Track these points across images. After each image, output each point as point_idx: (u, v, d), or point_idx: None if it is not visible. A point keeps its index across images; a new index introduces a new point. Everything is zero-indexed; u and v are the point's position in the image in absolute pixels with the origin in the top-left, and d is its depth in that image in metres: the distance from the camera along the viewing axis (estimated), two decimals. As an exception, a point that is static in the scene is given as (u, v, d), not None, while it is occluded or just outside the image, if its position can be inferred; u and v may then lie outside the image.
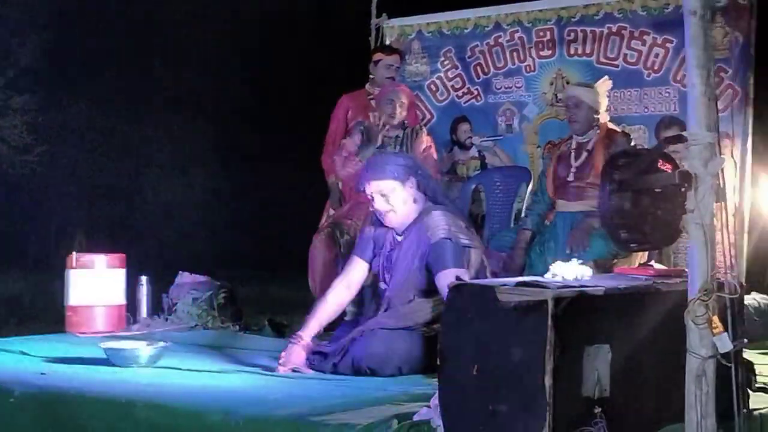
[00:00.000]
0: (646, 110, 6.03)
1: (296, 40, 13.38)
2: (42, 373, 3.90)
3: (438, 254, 4.01)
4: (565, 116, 5.22)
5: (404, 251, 4.15)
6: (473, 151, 6.55)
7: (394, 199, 4.12)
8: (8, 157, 13.10)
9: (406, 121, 5.61)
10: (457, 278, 3.09)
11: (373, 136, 5.53)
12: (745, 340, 3.14)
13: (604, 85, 5.20)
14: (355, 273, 4.30)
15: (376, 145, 5.46)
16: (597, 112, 5.08)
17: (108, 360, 4.18)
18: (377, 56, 6.17)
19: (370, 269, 4.31)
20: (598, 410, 2.76)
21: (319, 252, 5.37)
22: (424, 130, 5.70)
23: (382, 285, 4.22)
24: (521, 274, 4.78)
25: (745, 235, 5.55)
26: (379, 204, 4.15)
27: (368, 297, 4.39)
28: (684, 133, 2.76)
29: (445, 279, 3.88)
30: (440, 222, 4.08)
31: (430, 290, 4.07)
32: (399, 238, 4.20)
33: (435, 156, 5.62)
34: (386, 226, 4.24)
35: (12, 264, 11.71)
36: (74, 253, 5.63)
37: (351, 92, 6.23)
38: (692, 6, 2.73)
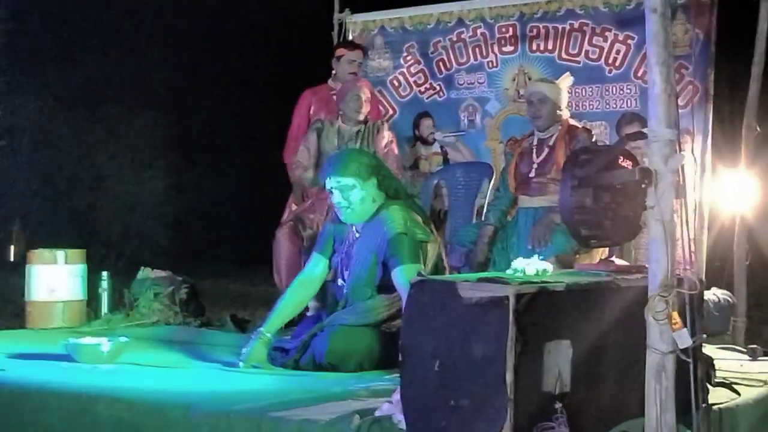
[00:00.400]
0: (607, 106, 6.07)
1: (258, 33, 13.32)
2: (2, 369, 3.86)
3: (394, 249, 4.01)
4: (527, 112, 5.23)
5: (361, 247, 4.15)
6: (436, 147, 6.56)
7: (353, 197, 4.12)
8: (-32, 152, 12.96)
9: (368, 116, 5.61)
10: (419, 274, 3.09)
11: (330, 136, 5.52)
12: (705, 336, 3.18)
13: (565, 81, 5.23)
14: (316, 269, 4.30)
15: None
16: (559, 108, 5.11)
17: (68, 356, 4.15)
18: (340, 52, 6.17)
19: (330, 265, 4.31)
20: (558, 405, 2.77)
21: (282, 246, 5.36)
22: (386, 125, 5.69)
23: (340, 281, 4.23)
24: (483, 269, 4.80)
25: (705, 231, 5.61)
26: (337, 199, 4.15)
27: (330, 292, 4.39)
28: (644, 130, 2.77)
29: (402, 274, 3.90)
30: (396, 217, 4.08)
31: (387, 286, 4.07)
32: (357, 235, 4.20)
33: (397, 151, 5.63)
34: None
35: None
36: (23, 248, 5.60)
37: (313, 87, 6.22)
38: (653, 4, 2.75)
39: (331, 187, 4.15)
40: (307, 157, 5.57)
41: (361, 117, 5.54)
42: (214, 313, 6.15)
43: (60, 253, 5.60)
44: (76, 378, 3.72)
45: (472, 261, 5.00)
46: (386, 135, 5.58)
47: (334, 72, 6.17)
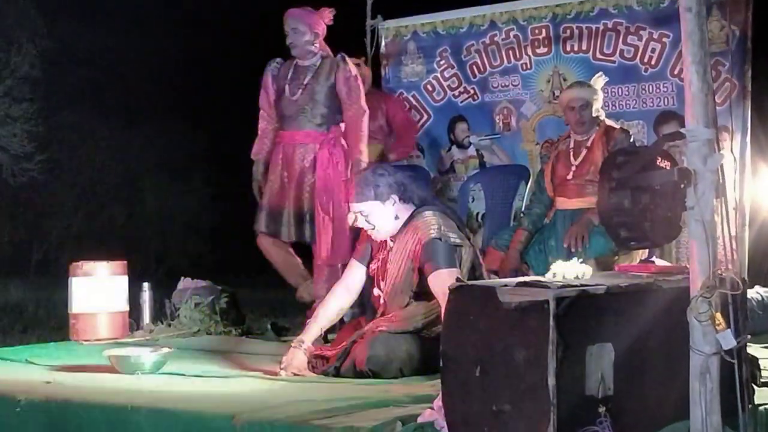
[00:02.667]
0: (644, 105, 6.03)
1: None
2: (47, 382, 3.91)
3: (429, 255, 4.03)
4: (567, 118, 5.18)
5: (396, 254, 4.17)
6: (471, 150, 6.56)
7: (375, 219, 4.18)
8: (9, 165, 13.10)
9: (322, 51, 5.31)
10: (457, 279, 3.09)
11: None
12: (749, 336, 3.15)
13: (600, 81, 5.21)
14: (354, 277, 4.32)
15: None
16: (597, 109, 5.09)
17: (112, 367, 4.18)
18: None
19: (366, 273, 4.33)
20: (602, 409, 2.75)
21: (271, 254, 5.36)
22: (348, 59, 5.35)
23: (376, 291, 4.24)
24: (518, 274, 4.78)
25: (746, 229, 5.55)
26: (361, 224, 4.22)
27: (368, 300, 4.40)
28: (682, 130, 2.75)
29: (438, 279, 3.90)
30: (430, 222, 4.10)
31: (424, 292, 4.08)
32: (392, 243, 4.21)
33: (361, 86, 5.30)
34: None
35: (15, 272, 11.72)
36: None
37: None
38: (688, 3, 2.73)
39: (354, 213, 4.22)
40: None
41: (297, 51, 5.26)
42: (254, 322, 6.19)
43: (102, 265, 5.66)
44: (119, 389, 3.75)
45: (506, 266, 4.98)
46: (350, 69, 5.28)
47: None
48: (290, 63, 5.35)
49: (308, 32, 5.25)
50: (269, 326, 5.66)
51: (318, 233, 5.10)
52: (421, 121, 6.74)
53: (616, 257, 4.79)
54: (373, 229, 4.20)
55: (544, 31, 6.36)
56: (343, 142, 5.23)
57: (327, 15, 5.35)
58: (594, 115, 5.08)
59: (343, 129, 5.23)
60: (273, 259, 5.38)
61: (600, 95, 5.16)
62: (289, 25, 5.26)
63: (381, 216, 4.17)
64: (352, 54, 5.93)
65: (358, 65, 5.91)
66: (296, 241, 5.23)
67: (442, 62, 6.73)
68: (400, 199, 4.18)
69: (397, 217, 4.19)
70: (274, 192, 5.27)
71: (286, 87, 5.29)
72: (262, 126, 5.48)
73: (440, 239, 4.05)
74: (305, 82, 5.25)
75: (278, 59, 5.42)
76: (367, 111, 5.26)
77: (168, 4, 12.93)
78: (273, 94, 5.37)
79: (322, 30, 5.33)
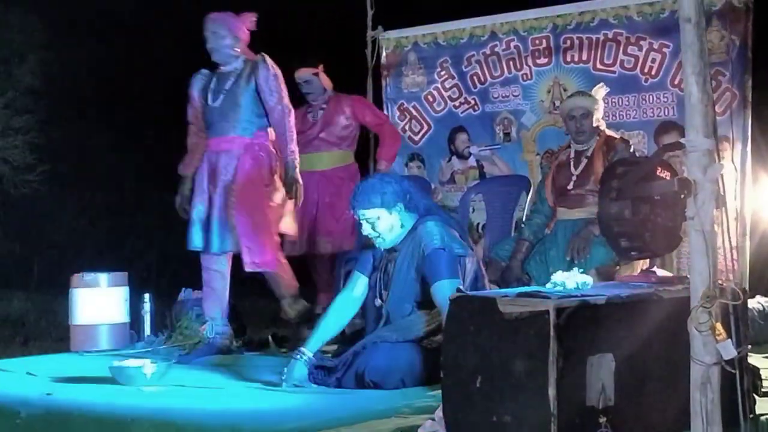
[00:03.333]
0: (644, 115, 6.03)
1: (290, 53, 13.42)
2: (48, 393, 3.90)
3: (433, 265, 4.02)
4: (568, 128, 5.19)
5: (399, 264, 4.17)
6: (471, 161, 6.57)
7: (380, 226, 4.16)
8: (11, 177, 13.12)
9: (245, 56, 5.23)
10: (458, 290, 3.09)
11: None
12: (749, 346, 3.15)
13: (601, 91, 5.22)
14: (356, 288, 4.31)
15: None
16: (598, 119, 5.10)
17: (113, 378, 4.18)
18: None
19: (369, 284, 4.32)
20: (602, 419, 2.75)
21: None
22: (268, 59, 5.21)
23: (377, 301, 4.24)
24: (519, 284, 4.78)
25: (747, 238, 5.55)
26: (366, 230, 4.20)
27: (370, 310, 4.39)
28: (682, 140, 2.76)
29: (441, 290, 3.90)
30: (433, 232, 4.09)
31: (426, 302, 4.08)
32: (394, 253, 4.21)
33: (283, 85, 5.19)
34: None
35: (16, 284, 11.71)
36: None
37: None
38: (687, 13, 2.74)
39: (359, 220, 4.20)
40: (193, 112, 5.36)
41: (217, 57, 5.20)
42: (255, 332, 6.17)
43: (103, 276, 5.66)
44: (120, 401, 3.74)
45: (507, 277, 4.98)
46: (270, 68, 5.16)
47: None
48: (215, 72, 5.27)
49: (228, 36, 5.16)
50: (270, 338, 5.65)
51: (241, 241, 5.03)
52: (422, 132, 6.74)
53: (617, 267, 4.79)
54: (378, 236, 4.18)
55: (544, 41, 6.37)
56: (270, 146, 5.17)
57: (249, 19, 5.26)
58: (594, 125, 5.09)
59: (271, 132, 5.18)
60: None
61: (601, 105, 5.17)
62: (209, 30, 5.19)
63: (387, 224, 4.15)
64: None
65: (316, 74, 6.02)
66: (224, 251, 5.15)
67: (442, 73, 6.74)
68: (405, 208, 4.18)
69: (402, 226, 4.18)
70: (203, 204, 5.18)
71: (209, 95, 5.22)
72: (191, 141, 5.40)
73: (444, 249, 4.05)
74: (227, 88, 5.18)
75: (204, 70, 5.33)
76: (292, 110, 5.18)
77: (168, 17, 12.95)
78: (199, 106, 5.29)
79: (244, 35, 5.23)
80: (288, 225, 5.30)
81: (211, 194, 5.13)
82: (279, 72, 5.20)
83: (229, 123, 5.15)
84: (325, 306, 5.76)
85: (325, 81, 6.08)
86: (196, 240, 5.17)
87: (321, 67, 6.09)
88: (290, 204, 5.24)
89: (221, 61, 5.22)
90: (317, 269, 6.04)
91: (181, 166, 5.41)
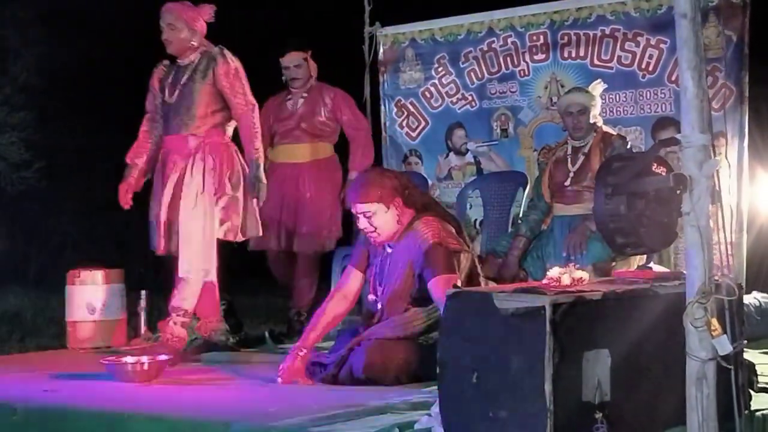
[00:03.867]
0: (641, 111, 6.02)
1: (288, 48, 13.41)
2: (44, 390, 3.91)
3: (429, 261, 4.00)
4: (565, 124, 5.19)
5: (396, 260, 4.15)
6: (469, 157, 6.56)
7: (377, 221, 4.11)
8: (7, 173, 13.10)
9: (202, 48, 5.07)
10: (454, 286, 3.09)
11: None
12: (745, 341, 3.15)
13: (598, 87, 5.22)
14: (352, 284, 4.30)
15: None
16: (595, 116, 5.10)
17: (109, 375, 4.18)
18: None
19: (364, 279, 4.31)
20: (599, 415, 2.76)
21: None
22: (227, 52, 5.05)
23: (371, 297, 4.22)
24: (516, 280, 4.78)
25: (744, 234, 5.55)
26: (362, 225, 4.16)
27: (365, 306, 4.39)
28: (678, 136, 2.76)
29: (438, 285, 3.88)
30: (430, 228, 4.08)
31: (423, 297, 4.06)
32: (390, 249, 4.20)
33: (244, 79, 5.04)
34: None
35: (12, 280, 11.70)
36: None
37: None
38: (683, 9, 2.74)
39: (356, 213, 4.17)
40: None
41: (172, 49, 5.04)
42: (251, 329, 6.17)
43: (99, 273, 5.65)
44: (117, 397, 3.75)
45: (504, 272, 4.98)
46: (230, 62, 5.01)
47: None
48: (175, 65, 5.11)
49: (185, 28, 4.99)
50: (267, 334, 5.64)
51: (181, 245, 4.89)
52: (419, 128, 6.73)
53: (614, 263, 4.78)
54: (374, 231, 4.15)
55: (541, 37, 6.36)
56: (226, 145, 5.03)
57: (207, 11, 5.10)
58: (592, 121, 5.09)
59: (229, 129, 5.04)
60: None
61: (598, 102, 5.17)
62: (164, 21, 5.07)
63: (384, 218, 4.11)
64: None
65: (305, 59, 5.91)
66: (167, 254, 5.03)
67: (440, 69, 6.73)
68: (403, 203, 4.16)
69: (399, 221, 4.16)
70: (158, 205, 5.04)
71: (166, 90, 5.06)
72: (143, 130, 5.24)
73: (440, 245, 4.03)
74: (182, 83, 5.01)
75: (165, 61, 5.17)
76: (256, 105, 5.02)
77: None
78: (158, 97, 5.13)
79: (201, 27, 5.06)
80: (252, 227, 5.14)
81: (162, 193, 5.00)
82: (240, 65, 5.03)
83: (183, 120, 4.99)
84: (298, 309, 5.78)
85: (312, 67, 5.98)
86: (156, 242, 5.07)
87: (309, 52, 5.98)
88: (252, 204, 5.09)
89: (177, 53, 5.06)
90: (295, 268, 5.91)
91: (129, 154, 5.27)
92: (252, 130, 4.97)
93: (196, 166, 4.93)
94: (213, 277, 5.02)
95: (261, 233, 5.29)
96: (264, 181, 5.02)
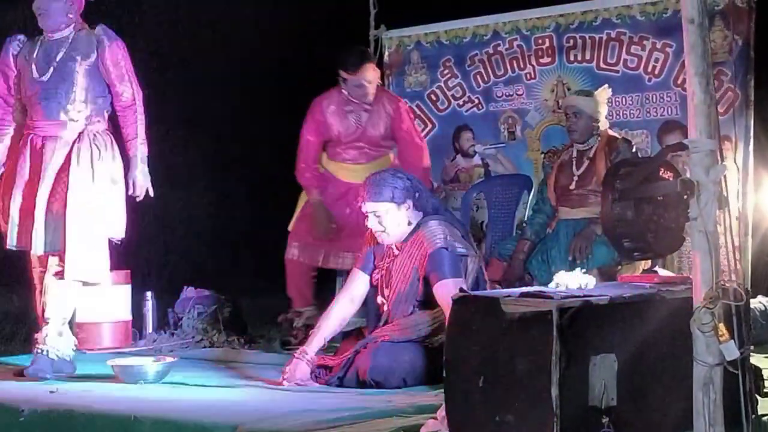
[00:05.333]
0: (648, 115, 6.02)
1: (294, 52, 13.41)
2: (51, 391, 3.92)
3: (435, 264, 4.02)
4: (564, 124, 5.22)
5: (402, 263, 4.16)
6: (476, 159, 6.56)
7: (388, 221, 4.13)
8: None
9: (77, 24, 4.55)
10: (461, 290, 3.09)
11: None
12: (752, 346, 3.15)
13: (603, 93, 5.21)
14: (358, 287, 4.31)
15: None
16: (597, 120, 5.09)
17: (115, 376, 4.19)
18: (342, 74, 5.38)
19: (370, 282, 4.32)
20: (605, 420, 2.76)
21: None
22: (111, 32, 4.57)
23: (380, 299, 4.23)
24: (521, 284, 4.78)
25: (749, 238, 5.55)
26: (372, 224, 4.17)
27: (371, 308, 4.39)
28: (685, 141, 2.76)
29: (444, 289, 3.90)
30: (436, 232, 4.09)
31: (429, 301, 4.07)
32: (397, 252, 4.20)
33: (130, 66, 4.57)
34: None
35: (17, 281, 11.72)
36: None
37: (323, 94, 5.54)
38: (690, 14, 2.74)
39: (367, 212, 4.17)
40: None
41: (44, 20, 4.49)
42: (256, 330, 6.17)
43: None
44: (123, 399, 3.75)
45: (509, 277, 4.98)
46: (117, 45, 4.53)
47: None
48: (37, 40, 4.53)
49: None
50: (279, 342, 5.53)
51: (67, 242, 4.34)
52: (426, 131, 6.74)
53: (619, 267, 4.79)
54: (383, 231, 4.16)
55: (547, 41, 6.36)
56: (109, 133, 4.55)
57: None
58: (594, 125, 5.08)
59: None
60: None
61: (603, 107, 5.16)
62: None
63: (394, 219, 4.13)
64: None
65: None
66: (48, 252, 4.43)
67: (445, 72, 6.73)
68: (413, 206, 4.17)
69: (409, 223, 4.17)
70: (23, 195, 4.44)
71: (33, 66, 4.45)
72: None
73: (447, 249, 4.04)
74: (57, 60, 4.45)
75: (20, 36, 4.59)
76: (141, 93, 4.53)
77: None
78: (14, 76, 4.53)
79: (79, 1, 4.53)
80: (124, 224, 4.65)
81: (35, 185, 4.41)
82: (125, 50, 4.55)
83: (61, 104, 4.44)
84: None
85: (376, 76, 5.45)
86: (16, 237, 4.46)
87: (372, 63, 5.51)
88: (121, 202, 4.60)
89: (51, 27, 4.48)
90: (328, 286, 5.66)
91: None
92: (139, 121, 4.52)
93: (83, 156, 4.42)
94: (106, 276, 4.62)
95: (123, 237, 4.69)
96: (148, 176, 4.59)
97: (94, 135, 4.48)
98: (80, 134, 4.45)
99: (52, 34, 4.50)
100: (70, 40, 4.48)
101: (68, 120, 4.45)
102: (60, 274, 4.40)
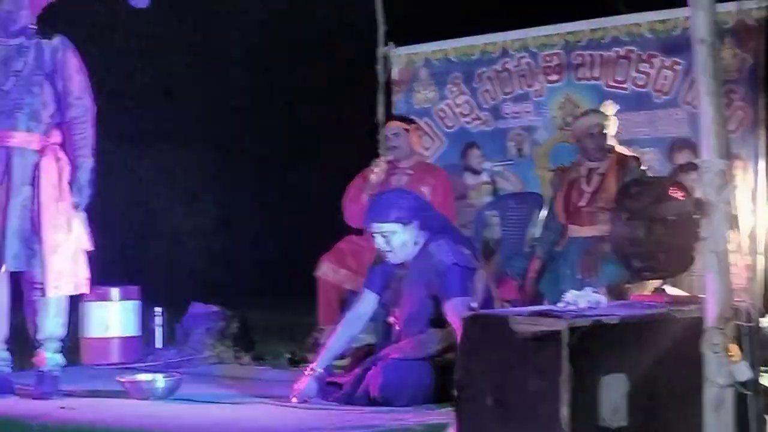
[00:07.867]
0: (657, 132, 6.01)
1: (302, 69, 13.45)
2: (60, 407, 3.92)
3: (445, 282, 4.03)
4: (583, 145, 5.20)
5: (411, 282, 4.17)
6: (484, 176, 6.56)
7: (394, 241, 4.15)
8: (20, 188, 13.17)
9: (30, 30, 4.37)
10: (470, 308, 3.09)
11: None
12: (763, 366, 3.14)
13: (610, 108, 5.22)
14: (366, 305, 4.32)
15: None
16: (610, 137, 5.11)
17: (124, 392, 4.19)
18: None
19: (380, 302, 4.32)
20: (616, 440, 2.75)
21: None
22: (68, 42, 4.42)
23: (391, 319, 4.24)
24: (533, 302, 4.77)
25: (760, 257, 5.53)
26: (379, 244, 4.19)
27: (382, 327, 4.39)
28: (696, 161, 2.76)
29: (453, 307, 3.90)
30: (445, 250, 4.10)
31: (439, 319, 4.07)
32: (405, 271, 4.21)
33: (87, 80, 4.44)
34: None
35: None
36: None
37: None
38: (701, 34, 2.74)
39: (373, 232, 4.19)
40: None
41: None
42: (263, 346, 6.17)
43: (114, 290, 5.67)
44: (132, 415, 3.75)
45: (523, 296, 4.98)
46: (74, 57, 4.39)
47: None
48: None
49: (26, 5, 4.28)
50: (288, 358, 5.53)
51: (49, 261, 4.23)
52: (434, 148, 6.75)
53: (629, 284, 4.77)
54: (391, 251, 4.18)
55: (556, 58, 6.37)
56: (62, 148, 4.39)
57: None
58: (608, 142, 5.10)
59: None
60: None
61: (612, 122, 5.17)
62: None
63: (401, 239, 4.15)
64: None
65: (407, 130, 5.68)
66: (18, 270, 4.31)
67: (454, 89, 6.74)
68: (420, 225, 4.18)
69: (416, 243, 4.18)
70: None
71: None
72: None
73: (457, 267, 4.05)
74: (18, 69, 4.28)
75: None
76: (94, 107, 4.44)
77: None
78: None
79: (36, 7, 4.35)
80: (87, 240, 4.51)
81: (1, 200, 4.26)
82: (81, 63, 4.40)
83: (23, 114, 4.27)
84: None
85: (415, 141, 5.77)
86: None
87: (413, 126, 5.81)
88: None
89: (14, 33, 4.30)
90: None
91: None
92: (90, 131, 4.40)
93: (51, 171, 4.31)
94: (86, 287, 4.50)
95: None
96: (90, 191, 4.44)
97: (56, 148, 4.37)
98: (44, 148, 4.33)
99: (8, 39, 4.31)
100: (31, 50, 4.31)
101: (32, 133, 4.31)
102: (42, 291, 4.29)
